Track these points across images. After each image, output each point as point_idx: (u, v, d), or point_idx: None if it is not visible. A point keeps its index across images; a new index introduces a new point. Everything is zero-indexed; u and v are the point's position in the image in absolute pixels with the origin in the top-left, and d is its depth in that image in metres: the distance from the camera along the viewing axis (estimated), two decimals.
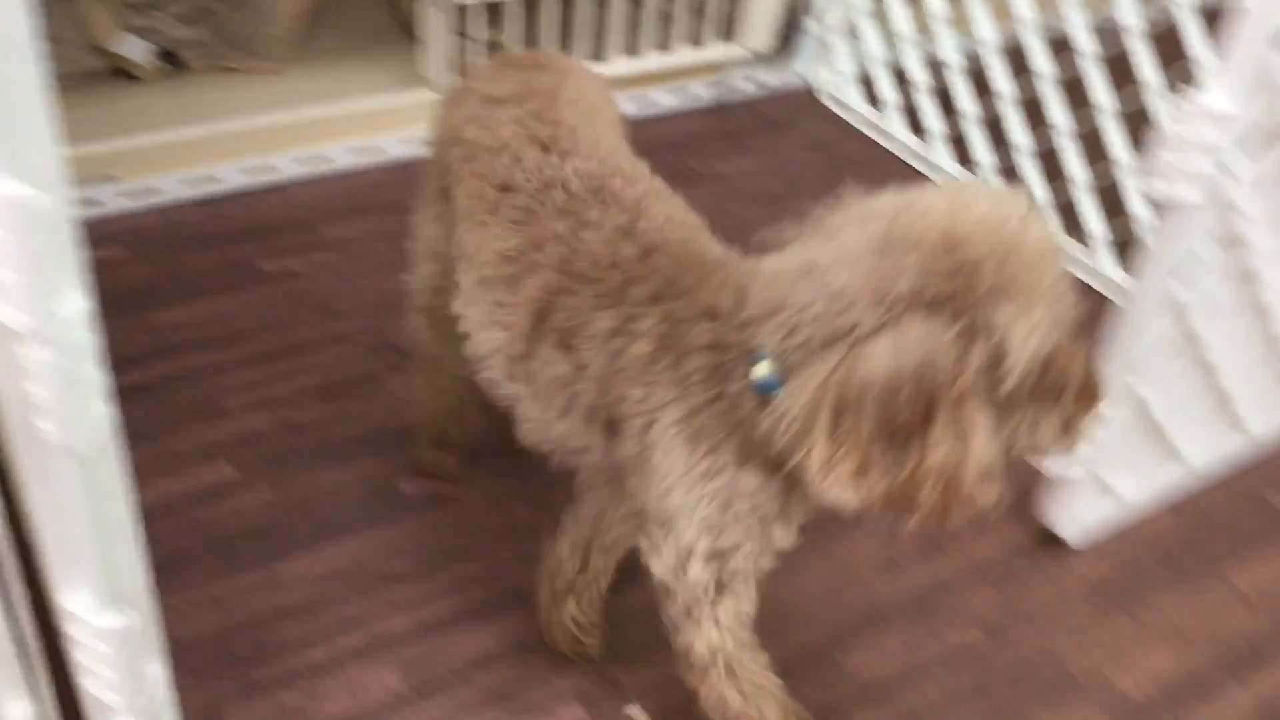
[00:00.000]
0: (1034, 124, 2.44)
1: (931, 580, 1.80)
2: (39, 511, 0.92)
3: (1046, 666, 1.71)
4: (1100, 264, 2.37)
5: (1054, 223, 2.39)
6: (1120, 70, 2.29)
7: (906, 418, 1.04)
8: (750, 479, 1.22)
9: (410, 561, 1.72)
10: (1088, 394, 1.13)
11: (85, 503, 0.90)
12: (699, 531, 1.26)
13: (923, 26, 2.71)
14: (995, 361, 1.04)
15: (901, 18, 2.72)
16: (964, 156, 2.62)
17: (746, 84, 2.97)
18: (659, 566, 1.32)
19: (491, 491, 1.84)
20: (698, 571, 1.29)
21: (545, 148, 1.37)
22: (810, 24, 2.93)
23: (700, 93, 2.91)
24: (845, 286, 1.05)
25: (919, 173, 2.70)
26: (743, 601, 1.35)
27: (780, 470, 1.17)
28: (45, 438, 0.85)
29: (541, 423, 1.37)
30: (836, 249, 1.08)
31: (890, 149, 2.80)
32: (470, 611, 1.66)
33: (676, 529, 1.27)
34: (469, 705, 1.55)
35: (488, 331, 1.36)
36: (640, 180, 1.37)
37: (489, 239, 1.35)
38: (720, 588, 1.31)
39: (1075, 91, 2.36)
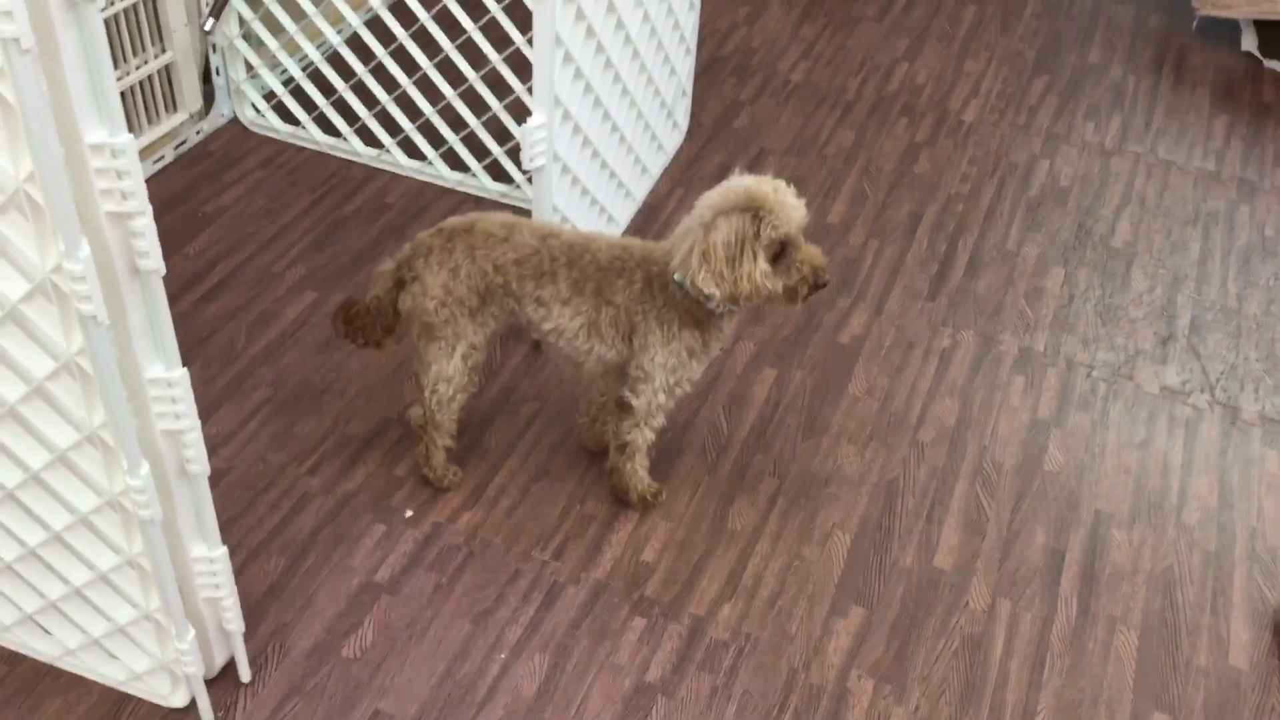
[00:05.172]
0: (412, 115, 3.86)
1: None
2: None
3: None
4: (486, 185, 3.91)
5: (450, 167, 3.87)
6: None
7: (734, 253, 2.38)
8: (689, 334, 2.57)
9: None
10: (808, 263, 2.48)
11: None
12: (664, 375, 2.62)
13: (306, 59, 3.97)
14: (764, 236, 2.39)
15: (289, 58, 3.96)
16: (371, 141, 3.99)
17: (196, 137, 4.06)
18: (638, 403, 2.66)
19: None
20: (662, 400, 2.66)
21: (543, 237, 2.62)
22: (216, 79, 4.06)
23: (167, 155, 3.97)
24: (701, 209, 2.48)
25: (348, 160, 4.03)
26: (661, 420, 2.74)
27: (699, 324, 2.54)
28: None
29: (594, 359, 2.65)
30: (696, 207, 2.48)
31: (318, 149, 4.09)
32: None
33: (653, 379, 2.62)
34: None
35: (574, 321, 2.61)
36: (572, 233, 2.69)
37: (560, 286, 2.59)
38: (657, 410, 2.70)
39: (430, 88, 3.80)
